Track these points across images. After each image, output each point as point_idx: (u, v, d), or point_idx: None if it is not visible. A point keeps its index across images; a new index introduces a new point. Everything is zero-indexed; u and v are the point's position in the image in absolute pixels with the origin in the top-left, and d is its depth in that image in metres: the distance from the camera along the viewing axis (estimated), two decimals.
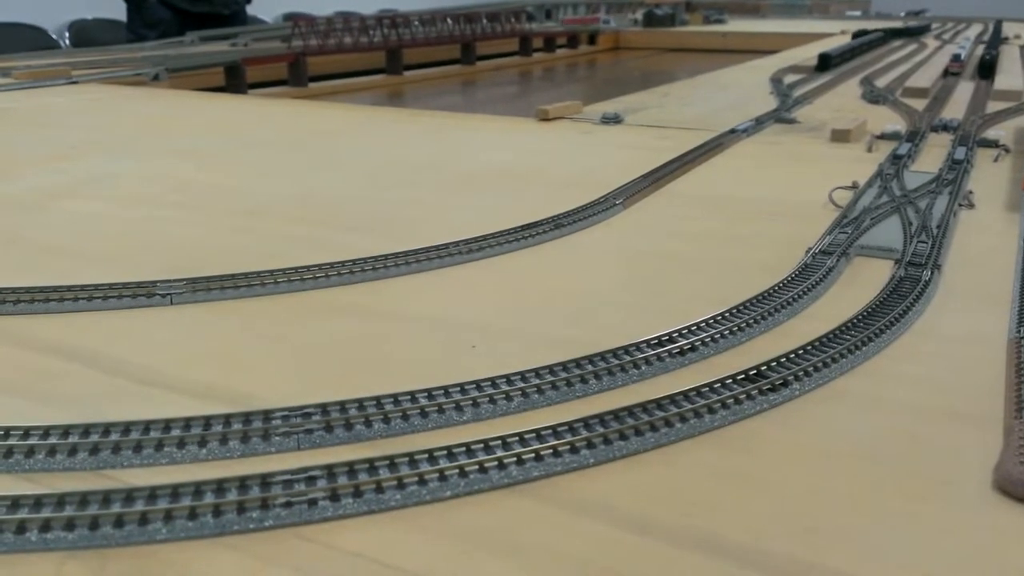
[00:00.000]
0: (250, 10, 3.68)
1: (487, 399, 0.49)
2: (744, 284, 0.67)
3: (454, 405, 0.48)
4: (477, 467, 0.43)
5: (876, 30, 3.39)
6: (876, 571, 0.37)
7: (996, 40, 3.14)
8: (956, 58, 2.18)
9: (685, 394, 0.49)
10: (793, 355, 0.54)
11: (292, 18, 3.30)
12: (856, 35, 3.24)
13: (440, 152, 1.28)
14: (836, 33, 3.56)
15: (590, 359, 0.53)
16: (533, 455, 0.44)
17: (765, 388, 0.51)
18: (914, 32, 3.67)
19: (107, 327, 0.62)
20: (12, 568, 0.37)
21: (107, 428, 0.45)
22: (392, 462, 0.43)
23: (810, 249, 0.74)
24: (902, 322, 0.60)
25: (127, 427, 0.45)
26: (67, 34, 3.59)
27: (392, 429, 0.47)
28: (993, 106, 1.62)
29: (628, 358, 0.54)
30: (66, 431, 0.45)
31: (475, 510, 0.41)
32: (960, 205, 0.90)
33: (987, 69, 2.09)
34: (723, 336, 0.58)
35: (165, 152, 1.28)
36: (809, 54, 2.59)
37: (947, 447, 0.46)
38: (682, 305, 0.64)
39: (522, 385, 0.50)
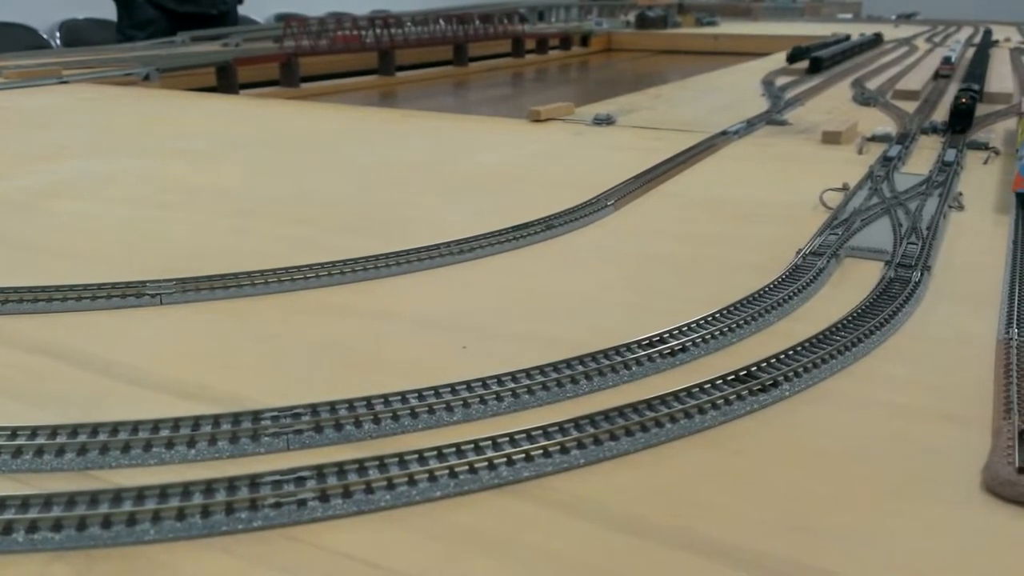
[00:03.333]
0: (242, 10, 3.67)
1: (477, 400, 0.49)
2: (735, 285, 0.67)
3: (444, 406, 0.48)
4: (467, 468, 0.43)
5: (823, 44, 2.69)
6: (866, 571, 0.37)
7: (981, 64, 2.21)
8: (947, 60, 2.19)
9: (676, 395, 0.49)
10: (783, 356, 0.54)
11: (284, 18, 3.30)
12: (792, 57, 2.44)
13: (432, 153, 1.28)
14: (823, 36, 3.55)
15: (581, 360, 0.53)
16: (523, 456, 0.44)
17: (755, 389, 0.51)
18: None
19: (96, 327, 0.62)
20: None
21: (95, 428, 0.45)
22: (382, 463, 0.43)
23: (800, 250, 0.74)
24: (892, 323, 0.61)
25: (115, 427, 0.45)
26: (58, 34, 3.57)
27: (382, 430, 0.47)
28: (983, 109, 1.63)
29: (619, 358, 0.54)
30: (54, 431, 0.45)
31: (465, 511, 0.41)
32: (950, 207, 0.90)
33: (963, 117, 1.38)
34: (714, 337, 0.58)
35: (156, 152, 1.28)
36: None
37: (936, 448, 0.46)
38: (673, 306, 0.65)
39: (512, 386, 0.50)
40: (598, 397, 0.51)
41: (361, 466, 0.42)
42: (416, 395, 0.49)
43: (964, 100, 1.39)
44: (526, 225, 0.83)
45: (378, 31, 2.72)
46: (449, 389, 0.50)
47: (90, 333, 0.61)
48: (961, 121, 1.39)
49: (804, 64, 2.34)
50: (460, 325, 0.62)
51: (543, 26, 4.24)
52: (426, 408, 0.48)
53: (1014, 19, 4.74)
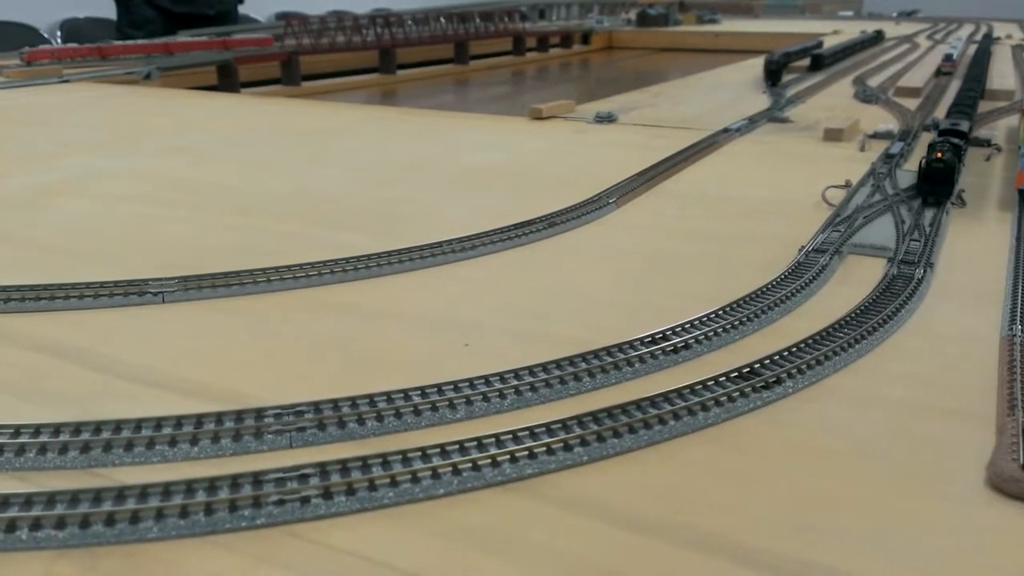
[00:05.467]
0: (242, 9, 3.67)
1: (480, 397, 0.49)
2: (737, 282, 0.67)
3: (447, 403, 0.48)
4: (471, 465, 0.43)
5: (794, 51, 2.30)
6: (869, 568, 0.37)
7: (971, 93, 1.49)
8: (948, 58, 2.18)
9: (678, 392, 0.49)
10: (786, 353, 0.54)
11: (285, 17, 3.29)
12: (770, 69, 2.03)
13: (434, 151, 1.28)
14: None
15: (583, 357, 0.53)
16: (527, 453, 0.44)
17: (758, 386, 0.51)
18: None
19: (99, 325, 0.62)
20: (2, 567, 0.37)
21: (98, 426, 0.45)
22: (385, 460, 0.43)
23: (803, 247, 0.74)
24: (895, 320, 0.60)
25: (118, 425, 0.45)
26: (59, 33, 3.57)
27: (385, 427, 0.47)
28: (985, 106, 1.62)
29: (621, 356, 0.54)
30: (57, 429, 0.45)
31: (469, 508, 0.41)
32: (952, 204, 0.90)
33: (939, 183, 0.87)
34: (716, 334, 0.58)
35: (157, 150, 1.28)
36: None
37: (940, 444, 0.46)
38: (675, 303, 0.64)
39: (516, 383, 0.50)
40: (601, 394, 0.51)
41: (364, 463, 0.42)
42: (419, 392, 0.49)
43: (941, 155, 0.87)
44: (528, 223, 0.83)
45: (379, 29, 2.72)
46: (452, 386, 0.50)
47: (93, 331, 0.61)
48: (934, 188, 0.87)
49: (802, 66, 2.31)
50: (462, 323, 0.62)
51: (544, 24, 4.23)
52: (429, 405, 0.48)
53: (1015, 16, 4.73)
